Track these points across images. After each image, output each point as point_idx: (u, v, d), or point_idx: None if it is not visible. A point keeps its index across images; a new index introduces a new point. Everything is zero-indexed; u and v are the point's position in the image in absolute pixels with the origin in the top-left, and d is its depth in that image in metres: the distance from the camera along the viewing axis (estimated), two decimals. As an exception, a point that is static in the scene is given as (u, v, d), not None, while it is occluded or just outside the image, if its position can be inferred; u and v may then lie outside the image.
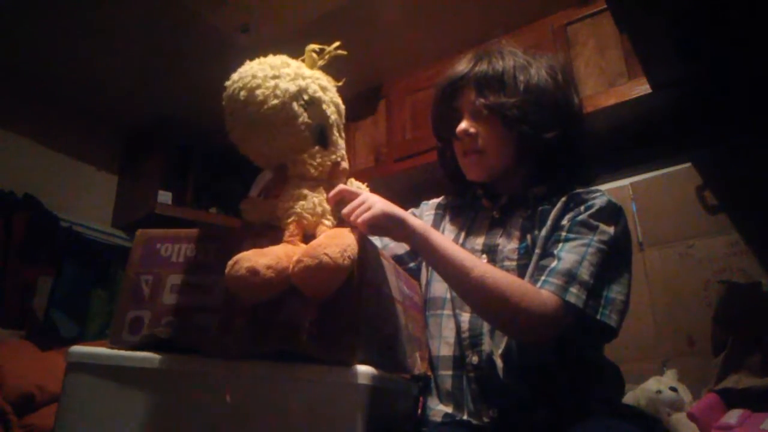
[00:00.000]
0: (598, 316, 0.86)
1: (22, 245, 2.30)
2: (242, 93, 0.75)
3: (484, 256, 1.01)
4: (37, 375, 1.72)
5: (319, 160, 0.81)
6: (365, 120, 2.48)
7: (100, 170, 2.80)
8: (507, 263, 0.97)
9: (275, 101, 0.75)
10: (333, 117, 0.84)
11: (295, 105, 0.77)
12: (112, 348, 0.78)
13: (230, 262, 0.67)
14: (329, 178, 0.83)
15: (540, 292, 0.85)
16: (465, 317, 0.98)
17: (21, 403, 1.65)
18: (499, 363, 0.91)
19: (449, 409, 0.94)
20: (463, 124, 1.04)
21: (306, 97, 0.79)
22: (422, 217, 1.17)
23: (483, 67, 1.04)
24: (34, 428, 1.62)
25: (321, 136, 0.82)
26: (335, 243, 0.69)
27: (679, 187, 1.79)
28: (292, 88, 0.77)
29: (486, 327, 0.95)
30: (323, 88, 0.83)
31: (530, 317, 0.83)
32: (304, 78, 0.80)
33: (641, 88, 1.75)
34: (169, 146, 2.77)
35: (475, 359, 0.94)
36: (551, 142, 0.99)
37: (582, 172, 1.07)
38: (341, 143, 0.86)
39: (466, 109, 1.05)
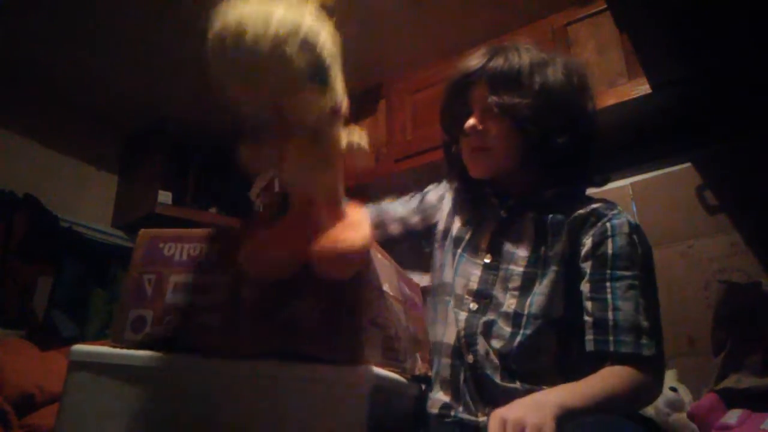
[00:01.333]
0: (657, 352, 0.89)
1: (22, 245, 2.30)
2: (230, 37, 0.69)
3: (489, 255, 1.00)
4: (37, 375, 1.71)
5: (315, 103, 0.74)
6: (365, 120, 2.48)
7: (100, 170, 2.80)
8: (512, 267, 0.96)
9: (267, 42, 0.70)
10: (329, 56, 0.77)
11: (288, 44, 0.71)
12: (114, 347, 0.78)
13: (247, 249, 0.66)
14: (328, 121, 0.77)
15: (630, 373, 0.84)
16: (462, 315, 0.97)
17: (21, 403, 1.64)
18: (495, 363, 0.91)
19: (447, 398, 0.94)
20: (472, 121, 1.01)
21: (300, 36, 0.72)
22: (445, 197, 1.17)
23: (498, 62, 1.00)
24: (34, 428, 1.61)
25: (317, 76, 0.74)
26: (353, 227, 0.69)
27: (679, 187, 1.79)
28: (284, 27, 0.71)
29: (480, 328, 0.94)
30: (317, 26, 0.76)
31: (651, 395, 0.89)
32: (296, 16, 0.73)
33: (641, 88, 1.75)
34: (169, 146, 2.77)
35: (470, 358, 0.94)
36: (561, 147, 0.96)
37: (592, 177, 1.05)
38: (339, 84, 0.79)
39: (477, 105, 1.02)
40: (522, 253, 0.97)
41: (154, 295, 0.79)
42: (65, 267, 2.45)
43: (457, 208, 1.13)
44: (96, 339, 2.15)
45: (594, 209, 0.97)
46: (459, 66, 1.05)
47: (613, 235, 0.93)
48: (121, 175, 2.87)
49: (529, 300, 0.93)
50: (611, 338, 0.86)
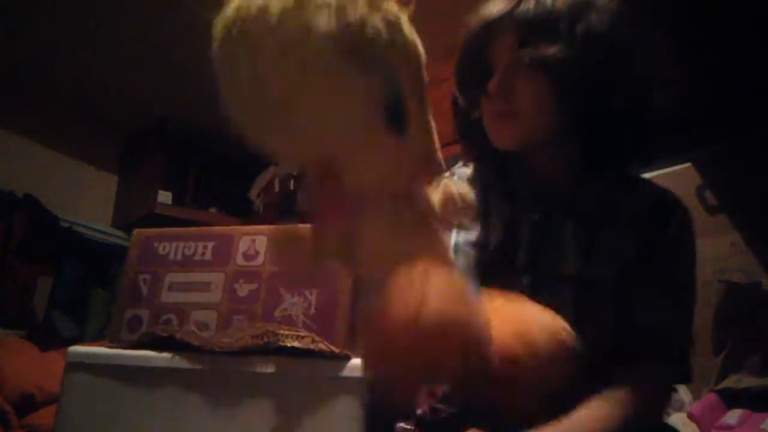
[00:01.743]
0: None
1: (22, 245, 2.30)
2: (244, 39, 0.42)
3: (527, 276, 0.84)
4: (37, 375, 1.72)
5: (390, 153, 0.44)
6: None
7: (100, 170, 2.81)
8: (557, 295, 0.79)
9: (306, 49, 0.39)
10: (410, 75, 0.45)
11: (341, 55, 0.40)
12: (110, 347, 0.78)
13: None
14: (409, 182, 0.48)
15: (639, 398, 0.74)
16: None
17: (21, 403, 1.65)
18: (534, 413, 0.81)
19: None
20: (498, 79, 0.80)
21: (361, 39, 0.40)
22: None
23: (528, 6, 0.77)
24: (33, 428, 1.62)
25: (393, 109, 0.44)
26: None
27: (679, 187, 1.78)
28: (333, 23, 0.39)
29: None
30: (391, 22, 0.42)
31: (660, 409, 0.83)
32: (355, 5, 0.40)
33: (641, 88, 1.75)
34: (168, 146, 2.78)
35: None
36: (611, 111, 0.77)
37: (641, 157, 0.86)
38: (427, 121, 0.48)
39: (503, 60, 0.81)
40: (565, 273, 0.82)
41: (149, 295, 0.79)
42: (65, 267, 2.45)
43: (483, 207, 0.90)
44: (96, 339, 2.16)
45: (644, 212, 0.83)
46: (479, 14, 0.84)
47: (663, 242, 0.82)
48: (121, 175, 2.88)
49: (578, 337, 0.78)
50: (635, 346, 0.78)
